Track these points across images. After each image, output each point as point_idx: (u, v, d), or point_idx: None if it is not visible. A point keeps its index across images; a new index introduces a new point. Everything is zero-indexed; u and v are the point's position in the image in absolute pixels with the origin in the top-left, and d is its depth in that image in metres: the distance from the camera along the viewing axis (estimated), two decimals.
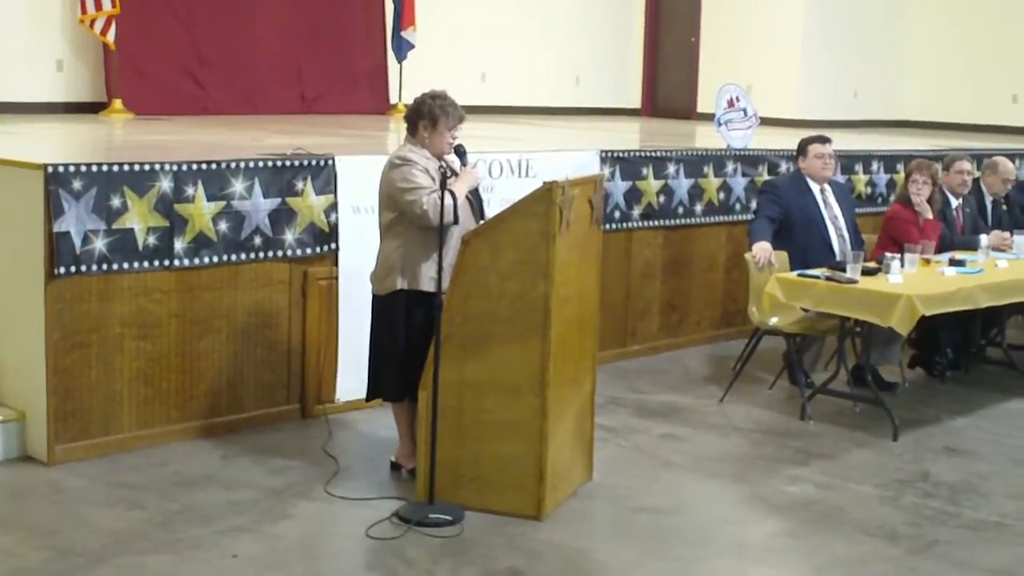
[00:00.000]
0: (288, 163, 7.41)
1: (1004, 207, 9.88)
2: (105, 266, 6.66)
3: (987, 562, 5.77)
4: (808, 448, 7.38)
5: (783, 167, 10.33)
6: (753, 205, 9.71)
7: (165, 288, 6.94)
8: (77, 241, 6.53)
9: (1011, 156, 10.66)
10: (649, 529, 6.06)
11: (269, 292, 7.39)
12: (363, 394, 6.67)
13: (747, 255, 8.45)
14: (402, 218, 6.22)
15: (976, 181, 9.72)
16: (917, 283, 7.72)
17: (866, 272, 7.81)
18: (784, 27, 16.87)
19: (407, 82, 14.16)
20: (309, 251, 7.50)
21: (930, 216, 8.72)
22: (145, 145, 9.06)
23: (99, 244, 6.62)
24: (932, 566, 5.71)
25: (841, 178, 10.46)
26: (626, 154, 9.43)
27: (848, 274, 7.72)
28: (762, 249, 8.37)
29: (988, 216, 9.72)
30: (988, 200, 9.81)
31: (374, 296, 6.44)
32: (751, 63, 16.44)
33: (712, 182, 9.97)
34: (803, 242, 8.55)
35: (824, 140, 8.84)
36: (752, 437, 7.62)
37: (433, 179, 6.17)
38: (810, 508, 6.40)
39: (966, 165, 9.27)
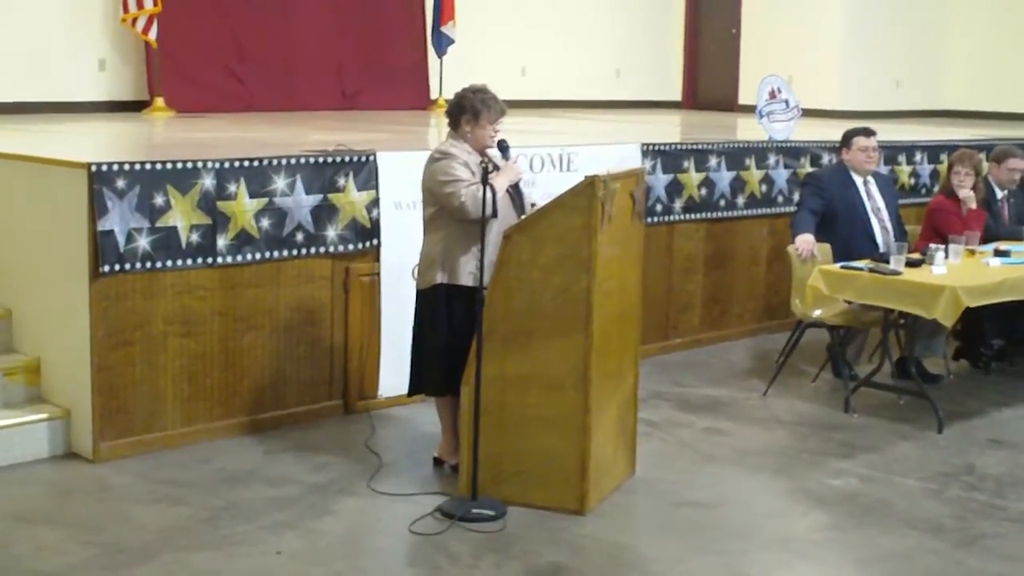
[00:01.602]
0: (329, 159, 7.43)
1: None
2: (149, 264, 6.70)
3: None
4: (852, 441, 7.35)
5: (825, 159, 10.27)
6: (795, 197, 9.65)
7: (208, 285, 6.98)
8: (121, 239, 6.57)
9: None
10: (693, 523, 6.05)
11: (311, 288, 7.42)
12: (406, 390, 6.69)
13: (790, 248, 8.42)
14: (443, 212, 6.24)
15: None
16: (961, 274, 7.66)
17: (910, 263, 7.76)
18: (824, 17, 16.77)
19: (447, 77, 14.18)
20: (351, 247, 7.52)
21: (974, 206, 8.65)
22: (187, 143, 9.10)
23: (143, 242, 6.66)
24: (978, 560, 5.67)
25: (884, 169, 10.40)
26: (667, 147, 9.40)
27: (892, 266, 7.68)
28: (805, 241, 8.34)
29: None
30: None
31: (416, 291, 6.46)
32: (792, 54, 16.36)
33: (754, 174, 9.93)
34: (846, 234, 8.51)
35: (869, 132, 8.79)
36: (796, 430, 7.59)
37: (473, 173, 6.18)
38: (854, 501, 6.37)
39: (1020, 164, 9.17)
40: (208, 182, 6.90)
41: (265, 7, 13.29)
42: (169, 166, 6.78)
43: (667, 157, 9.33)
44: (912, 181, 11.17)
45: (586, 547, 5.69)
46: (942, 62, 17.73)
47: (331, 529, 5.84)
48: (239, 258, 7.06)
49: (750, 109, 11.41)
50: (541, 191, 7.30)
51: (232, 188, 6.99)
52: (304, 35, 13.60)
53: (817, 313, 8.07)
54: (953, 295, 7.29)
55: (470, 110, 6.32)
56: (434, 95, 14.61)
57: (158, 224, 6.72)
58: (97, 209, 6.50)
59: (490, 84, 6.49)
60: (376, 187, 7.58)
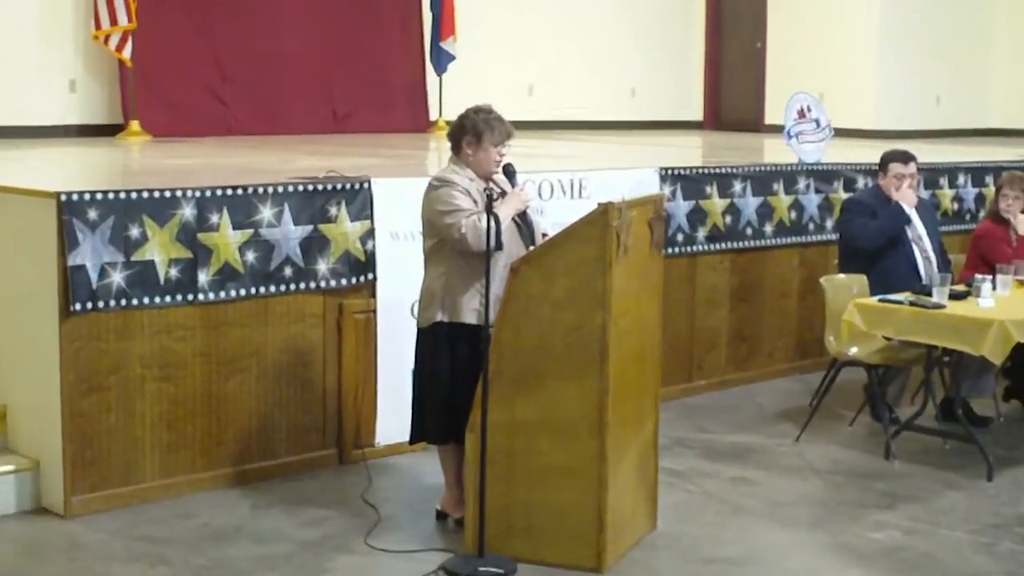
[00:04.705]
0: (320, 187, 7.45)
1: None
2: (124, 301, 6.71)
3: None
4: (894, 490, 7.33)
5: (860, 183, 10.28)
6: (828, 224, 9.68)
7: (189, 325, 6.98)
8: (93, 275, 6.58)
9: None
10: None
11: (302, 327, 7.42)
12: (405, 437, 6.69)
13: (822, 279, 8.39)
14: (444, 244, 6.25)
15: None
16: (1011, 307, 7.64)
17: (954, 296, 7.75)
18: (859, 29, 16.81)
19: (448, 97, 14.23)
20: (344, 282, 7.53)
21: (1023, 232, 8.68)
22: (165, 170, 9.13)
23: (117, 278, 6.67)
24: None
25: (925, 193, 10.40)
26: (688, 171, 9.42)
27: (934, 298, 7.66)
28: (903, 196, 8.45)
29: None
30: None
31: (416, 329, 6.46)
32: (823, 70, 16.40)
33: (783, 200, 9.94)
34: (885, 264, 8.50)
35: (907, 158, 8.72)
36: (832, 479, 7.57)
37: (476, 201, 6.19)
38: (897, 557, 6.35)
39: None
40: (188, 212, 6.92)
41: (250, 23, 13.34)
42: (145, 195, 6.79)
43: (688, 182, 9.35)
44: (955, 206, 11.17)
45: None
46: (985, 77, 17.75)
47: None
48: (222, 295, 7.06)
49: (778, 129, 11.43)
50: (551, 220, 7.31)
51: (214, 219, 7.01)
52: (292, 53, 13.65)
53: (853, 351, 8.07)
54: (1002, 330, 7.28)
55: (472, 132, 6.34)
56: (433, 116, 14.67)
57: (134, 258, 6.72)
58: (67, 242, 6.51)
59: (495, 104, 6.51)
60: (371, 217, 7.60)
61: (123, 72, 12.35)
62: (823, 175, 10.25)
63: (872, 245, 8.50)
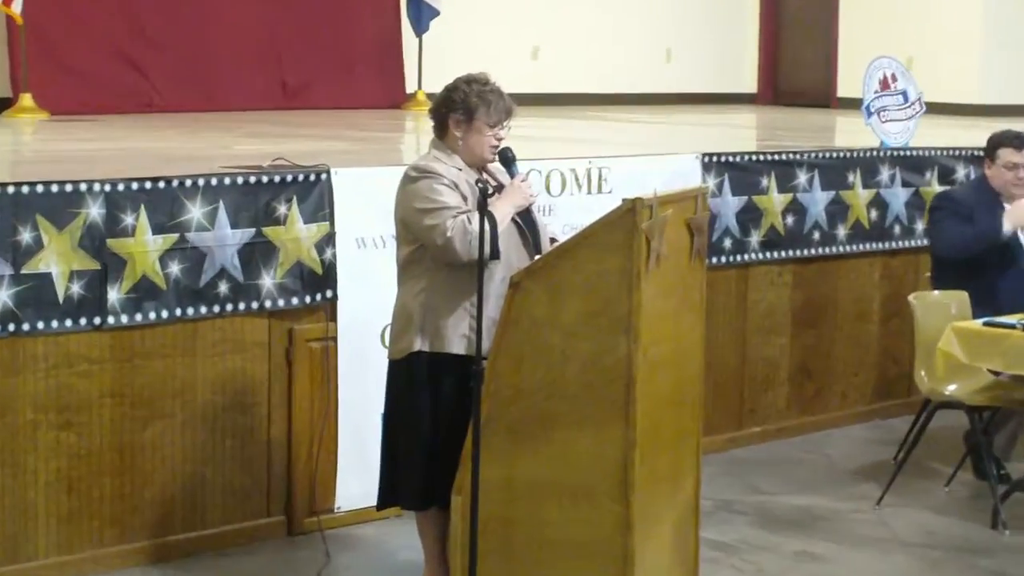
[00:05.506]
0: (265, 179, 7.45)
1: None
2: (12, 326, 6.68)
3: None
4: (1003, 568, 7.32)
5: (960, 173, 10.26)
6: (918, 227, 9.66)
7: (95, 356, 6.96)
8: None
9: None
10: None
11: (240, 360, 7.42)
12: (372, 501, 6.67)
13: (912, 297, 8.38)
14: (423, 253, 6.23)
15: None
16: None
17: None
18: None
19: (429, 63, 14.23)
20: (296, 301, 7.53)
21: None
22: (66, 157, 9.13)
23: (3, 295, 6.65)
24: None
25: None
26: (738, 158, 9.43)
27: None
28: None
29: None
30: None
31: (389, 362, 6.44)
32: (912, 29, 16.41)
33: (860, 195, 9.93)
34: (990, 278, 8.49)
35: (1021, 143, 8.72)
36: (924, 554, 7.56)
37: (465, 197, 6.17)
38: None
39: None
40: (95, 212, 6.90)
41: None
42: (40, 189, 6.78)
43: (738, 172, 9.36)
44: None
45: None
46: None
47: None
48: (138, 317, 7.05)
49: (854, 104, 11.44)
50: (562, 221, 7.32)
51: (128, 220, 7.00)
52: (230, 9, 13.65)
53: (951, 389, 8.06)
54: None
55: (461, 107, 6.31)
56: (411, 88, 14.67)
57: (24, 270, 6.71)
58: None
59: (490, 72, 6.48)
60: (330, 218, 7.60)
61: (12, 32, 12.37)
62: (912, 163, 10.24)
63: (967, 255, 8.47)
